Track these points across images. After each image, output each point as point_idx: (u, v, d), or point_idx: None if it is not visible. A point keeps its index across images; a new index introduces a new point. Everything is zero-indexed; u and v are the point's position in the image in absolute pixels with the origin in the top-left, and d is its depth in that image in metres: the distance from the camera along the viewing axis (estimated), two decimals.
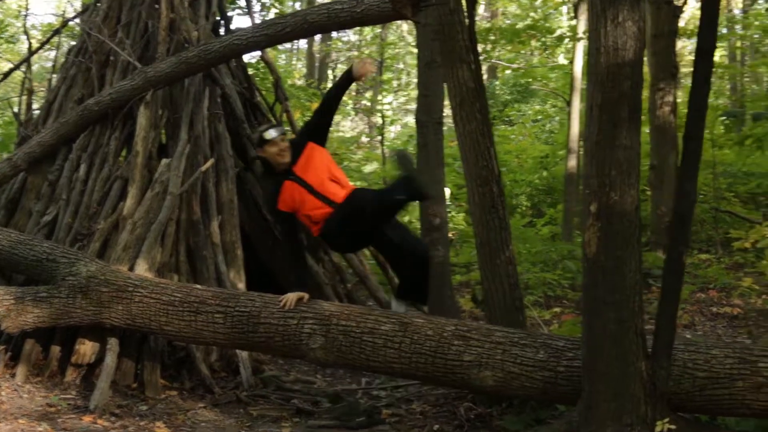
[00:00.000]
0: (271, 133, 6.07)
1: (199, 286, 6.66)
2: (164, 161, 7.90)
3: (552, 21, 15.04)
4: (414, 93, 29.02)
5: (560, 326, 8.97)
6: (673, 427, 4.86)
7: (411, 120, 32.79)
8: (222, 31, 9.67)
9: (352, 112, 29.34)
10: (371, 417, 6.20)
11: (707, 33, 5.13)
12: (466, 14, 6.45)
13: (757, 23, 20.40)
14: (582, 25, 13.88)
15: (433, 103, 8.35)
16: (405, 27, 32.47)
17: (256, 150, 6.18)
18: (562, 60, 14.44)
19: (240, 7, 17.58)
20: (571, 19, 15.03)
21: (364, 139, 28.83)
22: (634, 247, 4.97)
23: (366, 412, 6.29)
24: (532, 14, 18.13)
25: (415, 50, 28.64)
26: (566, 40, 14.07)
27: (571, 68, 15.16)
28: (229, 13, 9.91)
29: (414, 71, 31.70)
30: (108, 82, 8.93)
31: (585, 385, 5.08)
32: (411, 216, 15.70)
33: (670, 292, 5.11)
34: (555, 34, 13.89)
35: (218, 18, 9.61)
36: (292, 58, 32.72)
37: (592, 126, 5.02)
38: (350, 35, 32.08)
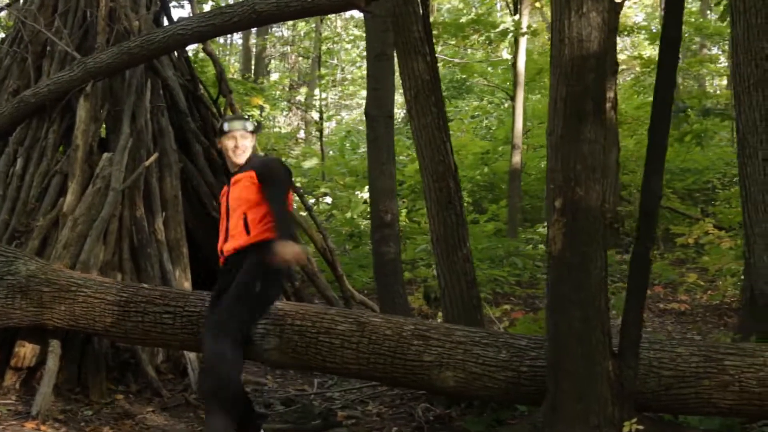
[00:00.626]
0: (233, 125, 5.42)
1: (146, 286, 6.40)
2: (106, 156, 7.61)
3: (494, 16, 14.98)
4: (350, 89, 29.14)
5: (511, 324, 8.89)
6: (640, 427, 4.77)
7: (346, 115, 32.73)
8: (164, 21, 9.37)
9: (286, 108, 29.06)
10: (327, 420, 6.01)
11: (672, 21, 5.06)
12: (419, 4, 6.31)
13: (692, 20, 20.63)
14: (525, 21, 13.86)
15: (384, 97, 8.19)
16: (339, 22, 32.34)
17: (217, 140, 5.66)
18: (505, 55, 14.37)
19: None
20: (507, 15, 14.96)
21: (301, 134, 28.62)
22: (599, 243, 4.88)
23: (321, 415, 6.10)
24: (473, 9, 18.10)
25: (349, 46, 28.90)
26: (509, 35, 13.98)
27: (514, 63, 15.14)
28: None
29: (347, 67, 31.70)
30: (45, 73, 8.59)
31: (550, 385, 4.97)
32: (354, 211, 15.61)
33: (636, 290, 5.04)
34: (498, 29, 13.82)
35: (158, 7, 9.32)
36: (225, 52, 32.29)
37: (557, 119, 4.92)
38: (283, 30, 31.83)
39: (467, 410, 6.02)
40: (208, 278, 8.58)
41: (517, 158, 14.08)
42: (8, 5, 10.02)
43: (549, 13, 18.53)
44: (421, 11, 6.28)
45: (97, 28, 8.48)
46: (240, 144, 5.37)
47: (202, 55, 15.10)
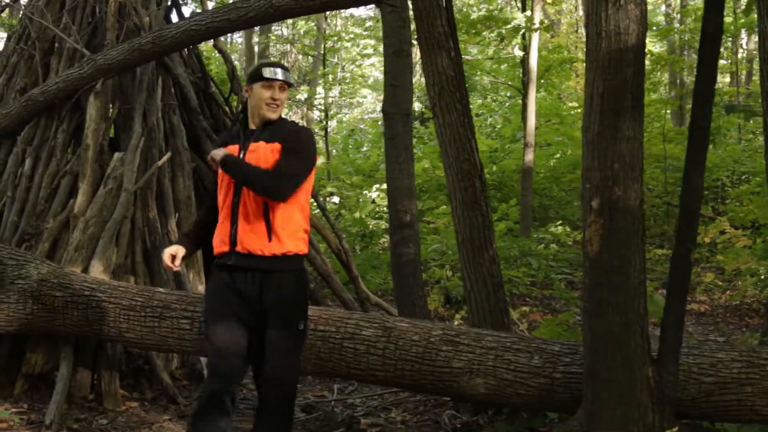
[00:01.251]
0: (275, 72, 4.46)
1: (162, 290, 6.20)
2: (117, 155, 7.41)
3: (505, 12, 14.79)
4: (350, 87, 28.92)
5: (530, 326, 8.71)
6: None
7: (346, 113, 32.54)
8: (174, 16, 9.17)
9: (287, 107, 28.84)
10: (350, 428, 5.82)
11: (713, 15, 4.88)
12: None
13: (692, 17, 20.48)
14: (537, 16, 13.67)
15: (401, 94, 7.99)
16: (339, 21, 32.16)
17: (244, 88, 4.59)
18: (516, 52, 14.18)
19: None
20: (517, 11, 14.78)
21: None
22: (638, 245, 4.69)
23: (344, 422, 5.90)
24: (484, 5, 17.89)
25: (349, 44, 28.71)
26: (521, 31, 13.79)
27: (522, 60, 14.95)
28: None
29: (347, 65, 31.51)
30: (53, 71, 8.38)
31: (587, 392, 4.78)
32: (363, 211, 15.39)
33: (676, 293, 4.85)
34: (511, 25, 13.62)
35: (168, 3, 9.11)
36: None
37: (593, 116, 4.73)
38: (283, 29, 31.62)
39: (495, 417, 5.83)
40: None
41: (529, 156, 13.89)
42: (14, 2, 9.81)
43: (550, 11, 18.28)
44: (444, 4, 6.08)
45: (106, 25, 8.26)
46: (278, 96, 4.47)
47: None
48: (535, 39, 13.86)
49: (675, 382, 4.74)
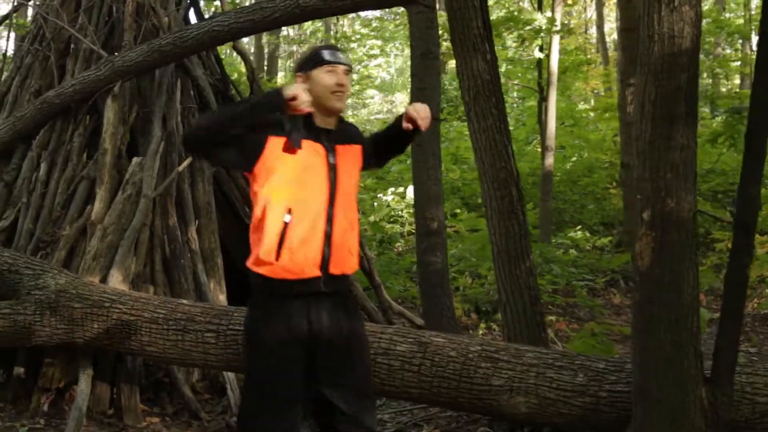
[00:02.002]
0: (337, 56, 3.80)
1: (185, 301, 5.96)
2: (136, 160, 7.19)
3: (525, 13, 14.56)
4: (356, 87, 28.71)
5: (556, 335, 8.48)
6: None
7: (354, 115, 32.34)
8: (192, 17, 8.96)
9: None
10: None
11: None
12: None
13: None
14: (559, 17, 13.45)
15: (430, 98, 7.72)
16: (345, 21, 31.98)
17: (295, 75, 3.86)
18: (537, 54, 13.96)
19: None
20: (536, 12, 14.56)
21: None
22: (692, 259, 4.44)
23: None
24: (503, 8, 17.69)
25: (354, 45, 28.52)
26: (541, 32, 13.56)
27: (539, 62, 14.71)
28: None
29: (354, 66, 31.34)
30: (69, 73, 8.20)
31: (636, 412, 4.54)
32: (378, 215, 15.16)
33: (731, 310, 4.60)
34: (531, 26, 13.39)
35: (188, 3, 8.90)
36: (232, 51, 31.91)
37: (644, 124, 4.48)
38: (289, 30, 31.43)
39: None
40: (242, 290, 8.20)
41: (549, 161, 13.66)
42: (28, 1, 9.60)
43: (557, 12, 17.99)
44: (479, 5, 5.84)
45: (123, 25, 8.07)
46: (345, 81, 3.77)
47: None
48: (556, 40, 13.67)
49: (729, 403, 4.51)
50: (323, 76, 3.72)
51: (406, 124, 3.81)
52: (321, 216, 3.63)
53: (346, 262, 3.72)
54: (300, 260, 3.57)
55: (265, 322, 3.65)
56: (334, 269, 3.65)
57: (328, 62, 3.74)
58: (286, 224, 3.56)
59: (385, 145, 4.10)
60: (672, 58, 4.40)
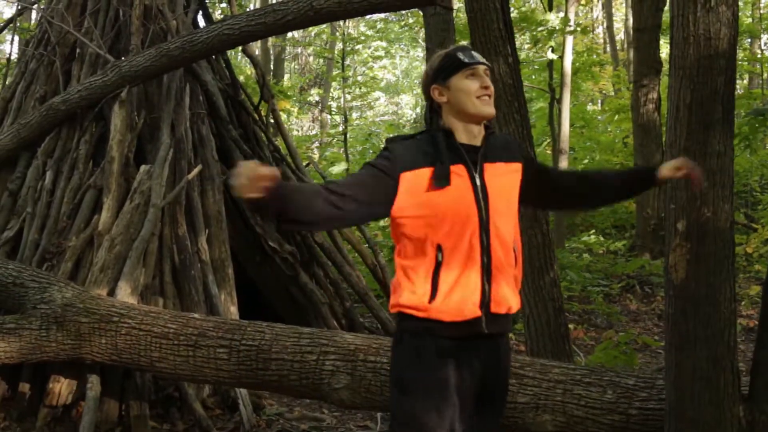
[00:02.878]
0: (473, 54, 3.28)
1: (197, 316, 5.76)
2: (144, 168, 7.00)
3: (537, 14, 14.34)
4: (361, 90, 28.48)
5: (573, 343, 8.25)
6: None
7: (359, 116, 32.13)
8: (200, 20, 8.76)
9: (301, 111, 28.52)
10: None
11: None
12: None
13: None
14: (572, 18, 13.24)
15: None
16: (351, 23, 31.75)
17: (431, 87, 3.28)
18: (550, 55, 13.73)
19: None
20: (548, 13, 14.35)
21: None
22: (729, 272, 4.23)
23: None
24: (516, 8, 17.44)
25: (359, 46, 28.31)
26: (555, 33, 13.35)
27: (560, 63, 14.48)
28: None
29: (359, 67, 31.13)
30: (75, 78, 8.02)
31: (669, 431, 4.34)
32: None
33: None
34: (544, 27, 13.17)
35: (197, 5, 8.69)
36: (237, 54, 31.76)
37: (678, 129, 4.27)
38: (294, 32, 31.24)
39: None
40: (252, 301, 8.02)
41: (563, 164, 13.46)
42: (32, 5, 9.41)
43: (567, 11, 17.77)
44: (500, 6, 5.63)
45: (130, 29, 7.89)
46: (489, 83, 3.26)
47: None
48: (570, 41, 13.46)
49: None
50: (464, 82, 3.23)
51: (672, 174, 3.50)
52: (475, 248, 3.16)
53: (510, 298, 3.26)
54: (457, 300, 3.14)
55: (418, 367, 3.20)
56: (496, 307, 3.20)
57: (467, 65, 3.24)
58: (438, 263, 3.13)
59: (588, 189, 3.69)
60: (708, 60, 4.19)
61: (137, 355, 5.55)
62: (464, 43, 3.04)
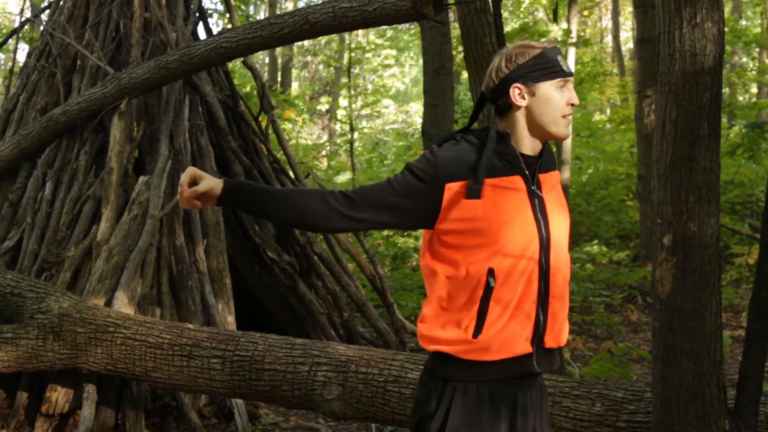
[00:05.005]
0: (567, 63, 2.89)
1: (191, 326, 5.80)
2: (142, 179, 7.05)
3: (540, 24, 14.36)
4: (370, 98, 28.58)
5: (572, 354, 8.27)
6: None
7: (367, 125, 32.16)
8: (201, 32, 8.82)
9: (310, 119, 28.56)
10: None
11: None
12: (492, 13, 5.71)
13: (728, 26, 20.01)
14: (575, 29, 13.28)
15: (443, 113, 7.58)
16: (360, 31, 31.83)
17: (509, 84, 2.81)
18: None
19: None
20: (552, 24, 14.37)
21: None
22: (715, 286, 4.26)
23: None
24: (519, 18, 17.51)
25: (368, 54, 28.38)
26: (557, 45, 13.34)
27: None
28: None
29: (369, 76, 31.23)
30: (75, 90, 8.05)
31: None
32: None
33: (756, 338, 4.42)
34: (547, 38, 13.20)
35: (196, 18, 8.74)
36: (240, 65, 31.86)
37: (665, 145, 4.31)
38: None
39: None
40: (250, 312, 8.05)
41: (566, 174, 13.50)
42: (35, 17, 9.48)
43: (572, 23, 17.83)
44: (493, 20, 5.67)
45: (131, 41, 7.92)
46: (576, 100, 2.90)
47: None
48: (572, 52, 13.49)
49: None
50: (555, 94, 2.80)
51: None
52: (534, 271, 2.77)
53: (563, 330, 2.91)
54: (508, 335, 2.73)
55: (449, 414, 2.78)
56: (550, 341, 2.84)
57: (565, 74, 2.82)
58: (489, 289, 2.71)
59: None
60: (694, 77, 4.23)
61: (132, 365, 5.60)
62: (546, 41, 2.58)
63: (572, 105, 2.84)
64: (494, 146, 2.78)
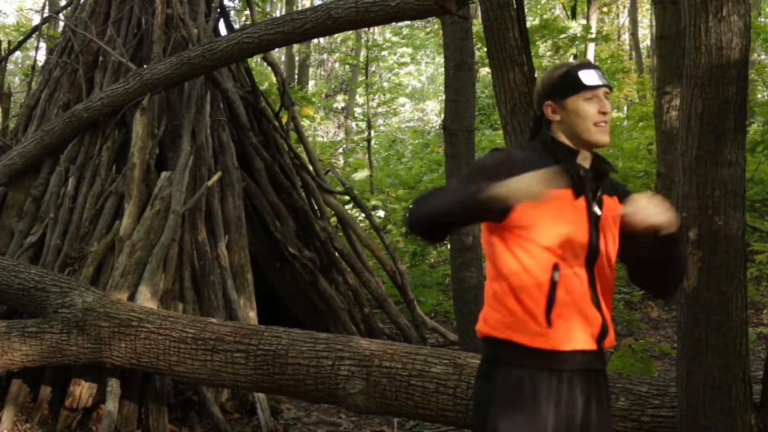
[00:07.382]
0: (596, 75, 3.02)
1: (214, 320, 5.82)
2: (165, 175, 7.07)
3: (559, 21, 14.32)
4: (387, 96, 28.55)
5: None
6: None
7: (383, 123, 32.14)
8: (222, 28, 8.85)
9: (326, 117, 28.56)
10: None
11: None
12: (515, 8, 5.69)
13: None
14: (594, 25, 13.22)
15: (464, 109, 7.55)
16: (376, 29, 31.79)
17: (542, 103, 3.06)
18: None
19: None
20: (571, 21, 14.33)
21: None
22: (740, 280, 4.24)
23: None
24: (537, 14, 17.45)
25: (384, 52, 28.38)
26: (576, 41, 13.34)
27: None
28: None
29: (385, 74, 31.16)
30: (97, 86, 8.11)
31: None
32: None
33: None
34: (566, 34, 13.16)
35: (218, 14, 8.77)
36: (262, 61, 31.91)
37: (690, 139, 4.28)
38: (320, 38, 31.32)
39: None
40: (270, 308, 8.07)
41: None
42: (56, 14, 9.52)
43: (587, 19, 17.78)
44: (516, 15, 5.65)
45: (152, 37, 7.96)
46: (608, 108, 3.03)
47: None
48: (591, 48, 13.44)
49: None
50: (582, 106, 2.99)
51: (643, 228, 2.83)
52: (584, 278, 2.95)
53: (613, 331, 3.06)
54: (574, 328, 2.90)
55: (514, 405, 2.88)
56: (608, 341, 3.00)
57: (587, 88, 3.00)
58: (554, 283, 2.87)
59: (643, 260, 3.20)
60: (720, 70, 4.20)
61: (156, 359, 5.62)
62: (584, 61, 2.69)
63: (603, 113, 2.99)
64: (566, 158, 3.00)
